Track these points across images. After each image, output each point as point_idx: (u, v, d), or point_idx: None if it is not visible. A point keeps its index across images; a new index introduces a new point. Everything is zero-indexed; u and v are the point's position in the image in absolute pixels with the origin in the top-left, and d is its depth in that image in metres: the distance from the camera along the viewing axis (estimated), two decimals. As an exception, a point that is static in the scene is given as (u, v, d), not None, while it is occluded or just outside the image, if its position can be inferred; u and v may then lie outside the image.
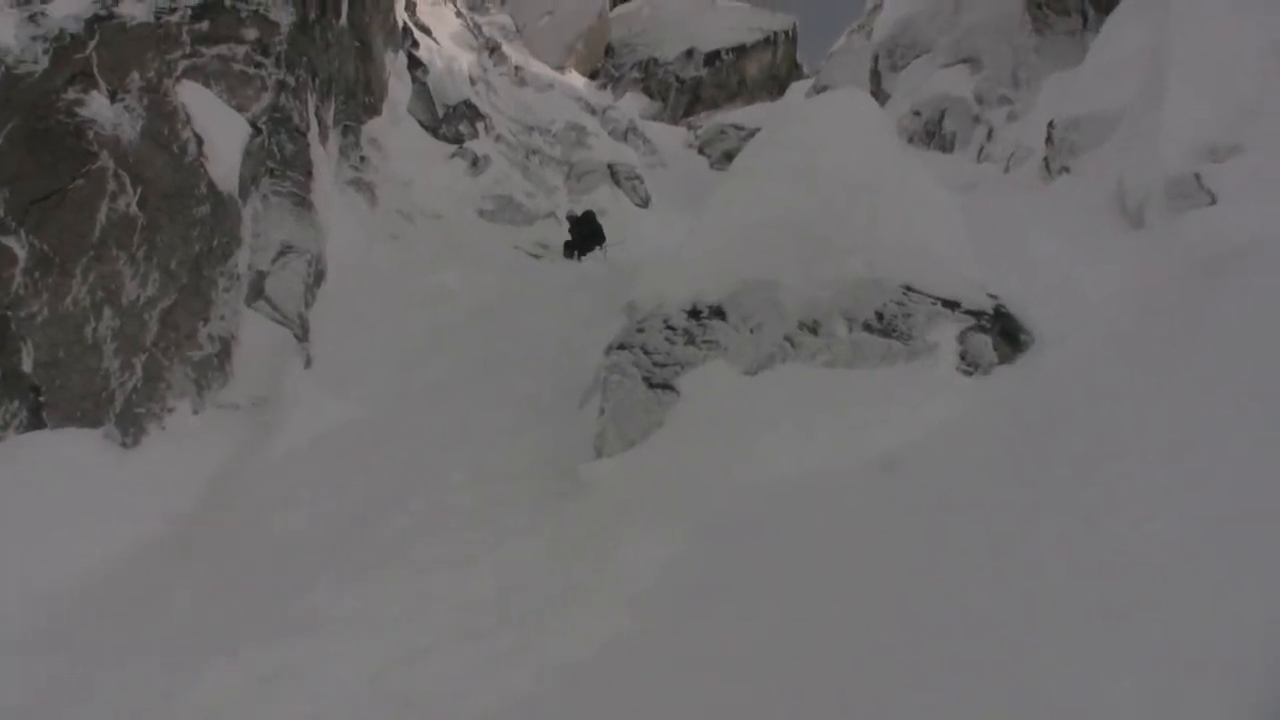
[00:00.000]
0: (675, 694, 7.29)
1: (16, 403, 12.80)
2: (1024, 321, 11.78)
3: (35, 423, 12.85)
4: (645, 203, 34.79)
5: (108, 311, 13.72)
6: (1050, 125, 21.04)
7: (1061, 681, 6.02)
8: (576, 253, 27.34)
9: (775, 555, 8.83)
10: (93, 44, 14.95)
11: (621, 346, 12.67)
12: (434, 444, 14.42)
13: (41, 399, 12.91)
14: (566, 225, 28.27)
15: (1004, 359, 11.34)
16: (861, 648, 7.10)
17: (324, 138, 21.44)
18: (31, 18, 14.67)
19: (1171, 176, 14.04)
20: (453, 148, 30.76)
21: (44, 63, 14.35)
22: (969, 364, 11.25)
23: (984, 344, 11.41)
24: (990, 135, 30.76)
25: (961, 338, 11.49)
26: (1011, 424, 10.00)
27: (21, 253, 13.11)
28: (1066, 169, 19.52)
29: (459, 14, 38.43)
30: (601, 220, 30.94)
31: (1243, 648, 5.78)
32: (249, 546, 11.93)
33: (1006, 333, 11.62)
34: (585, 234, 27.38)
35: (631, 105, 52.49)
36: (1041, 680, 6.09)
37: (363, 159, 25.26)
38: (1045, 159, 21.12)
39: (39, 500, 11.96)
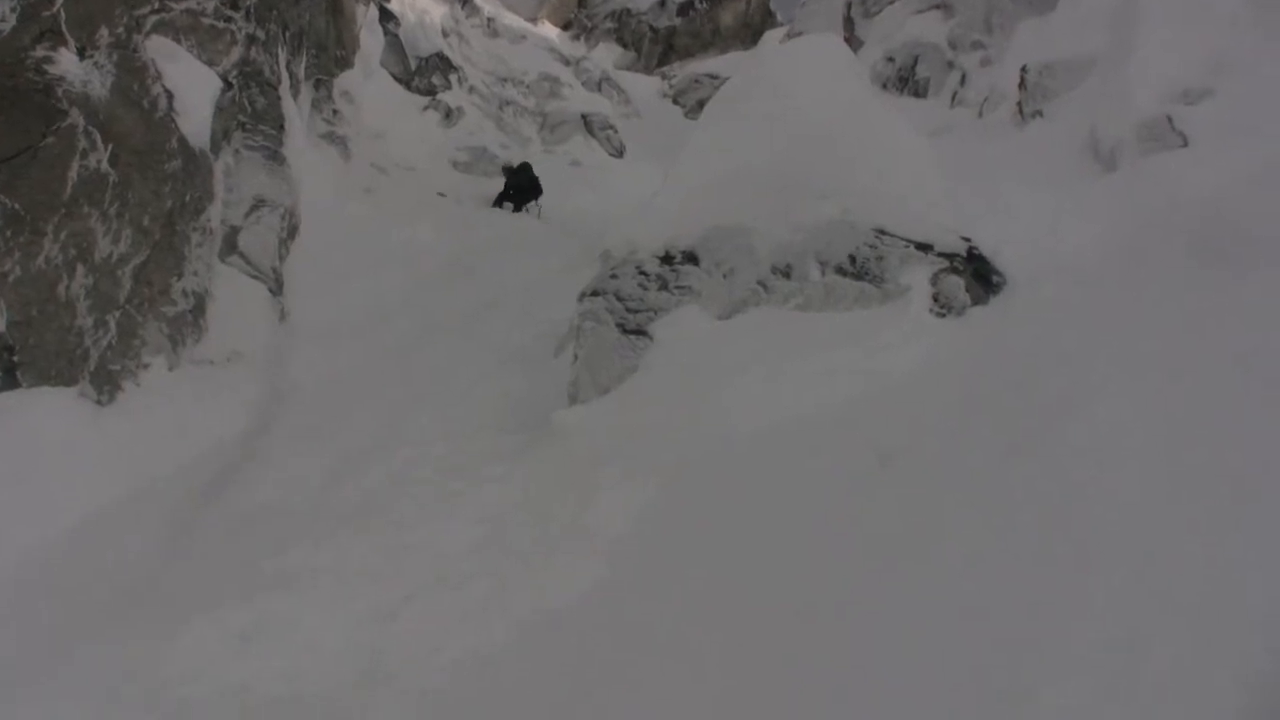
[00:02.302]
0: (651, 641, 7.33)
1: (-10, 362, 12.79)
2: (996, 264, 11.83)
3: (9, 383, 12.79)
4: (620, 153, 34.82)
5: (80, 269, 13.67)
6: (1023, 70, 21.11)
7: (1023, 633, 6.07)
8: (510, 205, 27.03)
9: (749, 500, 8.88)
10: (60, 1, 14.86)
11: (595, 293, 12.68)
12: (410, 396, 14.47)
13: (15, 358, 12.85)
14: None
15: (977, 301, 11.40)
16: (832, 590, 7.15)
17: (295, 91, 21.38)
18: (-3, -25, 14.59)
19: (1143, 119, 14.09)
20: (426, 100, 30.78)
21: (11, 21, 14.24)
22: (942, 306, 11.30)
23: (957, 286, 11.46)
24: (963, 80, 30.89)
25: (934, 280, 11.54)
26: (983, 366, 10.06)
27: (-8, 212, 13.08)
28: (1039, 113, 19.58)
29: (430, -34, 38.34)
30: (576, 170, 30.93)
31: (1211, 599, 5.82)
32: (225, 504, 11.95)
33: (979, 275, 11.66)
34: (522, 185, 27.04)
35: (605, 56, 52.35)
36: (1005, 630, 6.15)
37: (335, 112, 25.22)
38: (1018, 103, 21.19)
39: (13, 460, 11.95)
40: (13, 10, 14.14)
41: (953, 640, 6.18)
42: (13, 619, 9.78)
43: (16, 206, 13.10)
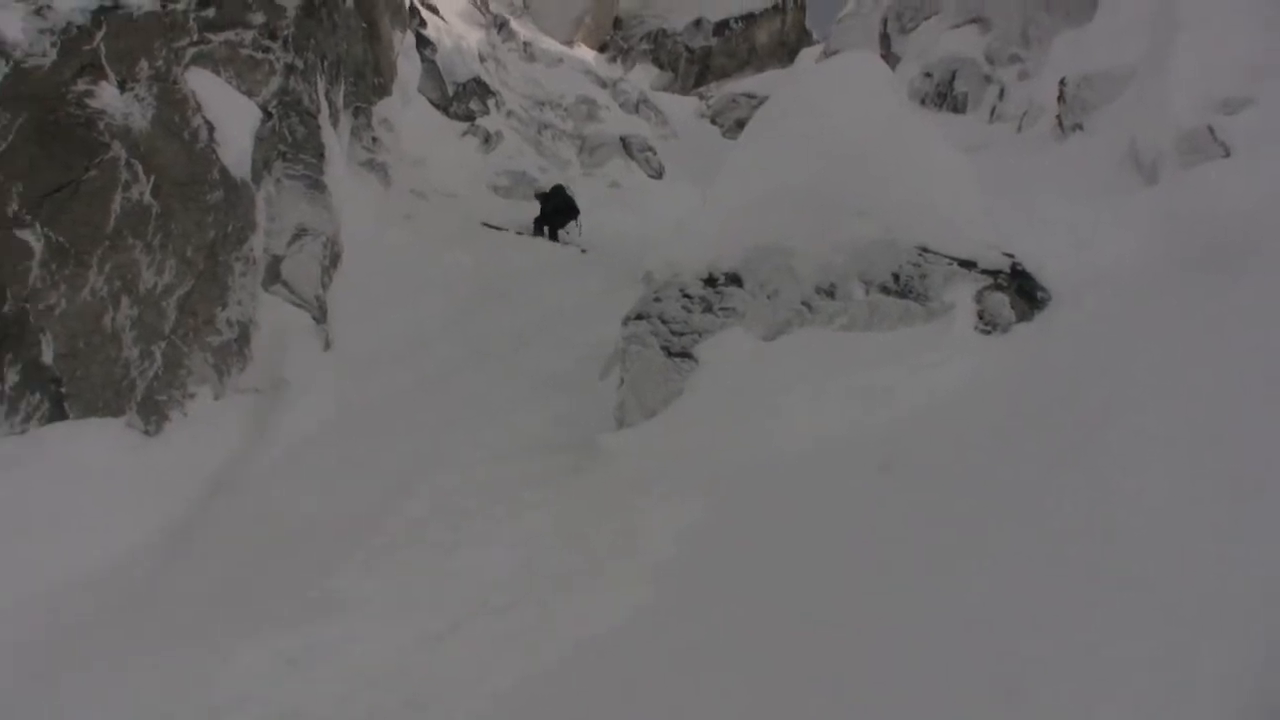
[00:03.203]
0: (697, 666, 7.29)
1: (38, 395, 12.83)
2: (1041, 279, 11.78)
3: (57, 414, 12.88)
4: (659, 174, 34.77)
5: (125, 301, 13.75)
6: (1062, 83, 21.03)
7: (1069, 644, 6.01)
8: (547, 229, 26.62)
9: (795, 522, 8.85)
10: (100, 35, 14.93)
11: (639, 316, 12.68)
12: (453, 422, 14.49)
13: (62, 390, 12.94)
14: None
15: (1022, 317, 11.36)
16: (879, 612, 7.10)
17: (335, 120, 21.44)
18: (38, 11, 14.65)
19: (1184, 130, 14.02)
20: (464, 125, 30.78)
21: (52, 55, 14.34)
22: (987, 323, 11.26)
23: (1001, 303, 11.42)
24: (1002, 94, 30.76)
25: (979, 297, 11.50)
26: (1030, 383, 10.01)
27: (37, 245, 13.14)
28: (1079, 126, 19.52)
29: (465, -9, 38.38)
30: (616, 192, 30.85)
31: (1260, 610, 5.76)
32: (272, 530, 11.97)
33: (1024, 291, 11.62)
34: (558, 207, 26.63)
35: (642, 77, 52.39)
36: (1050, 643, 6.09)
37: (374, 140, 25.27)
38: (1058, 117, 21.11)
39: (63, 490, 12.02)
40: (53, 45, 14.24)
41: (999, 658, 6.13)
42: (64, 644, 9.86)
43: (61, 239, 13.19)
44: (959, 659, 6.26)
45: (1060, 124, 20.77)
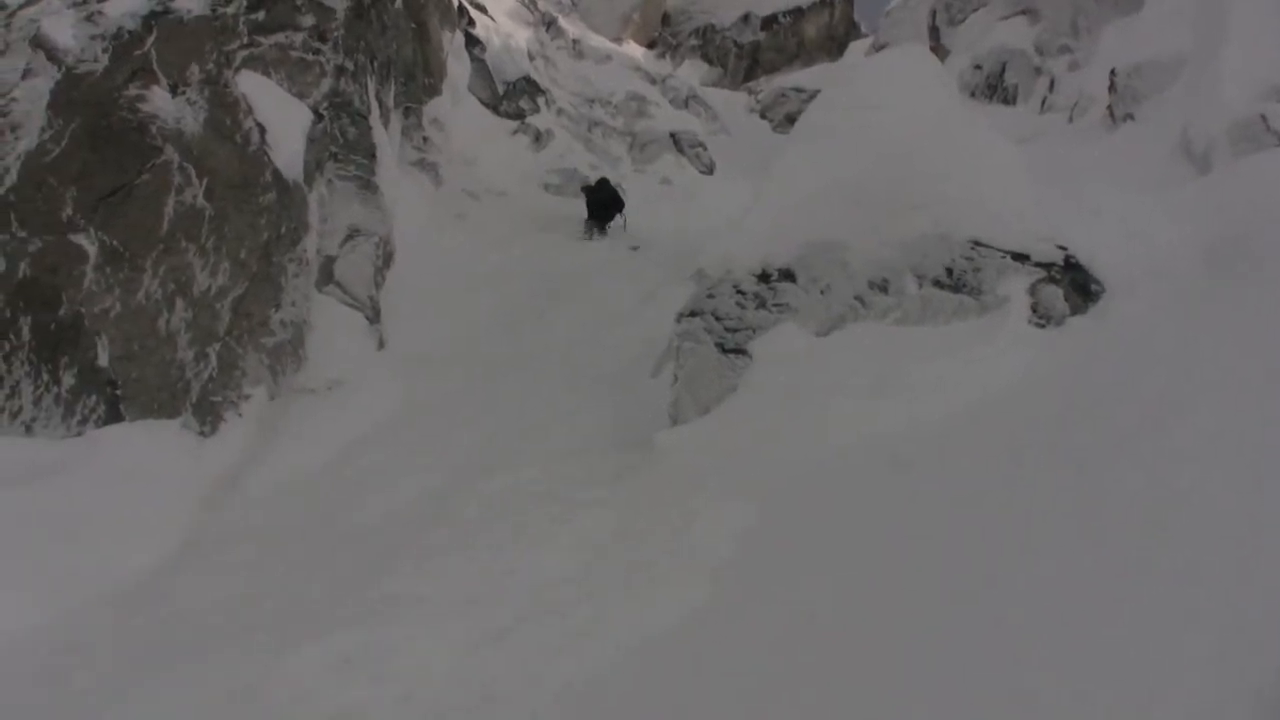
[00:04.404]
0: (755, 665, 7.23)
1: (94, 397, 12.93)
2: (1094, 272, 11.67)
3: (113, 416, 12.98)
4: (710, 170, 34.69)
5: (180, 303, 13.83)
6: (1112, 73, 20.92)
7: (1130, 638, 5.92)
8: (596, 228, 26.40)
9: (852, 520, 8.77)
10: (151, 40, 15.04)
11: (693, 313, 12.64)
12: (508, 420, 14.50)
13: (118, 392, 13.03)
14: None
15: (1075, 310, 11.25)
16: (941, 611, 7.02)
17: (385, 120, 21.51)
18: (89, 17, 14.78)
19: (1236, 119, 13.91)
20: (514, 124, 30.81)
21: (104, 61, 14.46)
22: (1041, 316, 11.17)
23: (1055, 295, 11.32)
24: (1052, 86, 30.63)
25: (1032, 290, 11.40)
26: (1085, 377, 9.91)
27: (92, 249, 13.24)
28: (1130, 116, 19.41)
29: (514, -10, 38.39)
30: (667, 189, 30.79)
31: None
32: (328, 530, 12.02)
33: (1077, 284, 11.51)
34: (603, 201, 26.42)
35: (691, 73, 52.35)
36: (1112, 637, 6.00)
37: (425, 139, 25.35)
38: (1109, 107, 21.01)
39: (120, 491, 12.10)
40: (104, 51, 14.36)
41: (1058, 653, 6.04)
42: (123, 642, 9.94)
43: (115, 243, 13.29)
44: (1016, 656, 6.18)
45: (1111, 114, 20.66)
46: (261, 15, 17.24)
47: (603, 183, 26.91)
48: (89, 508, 11.81)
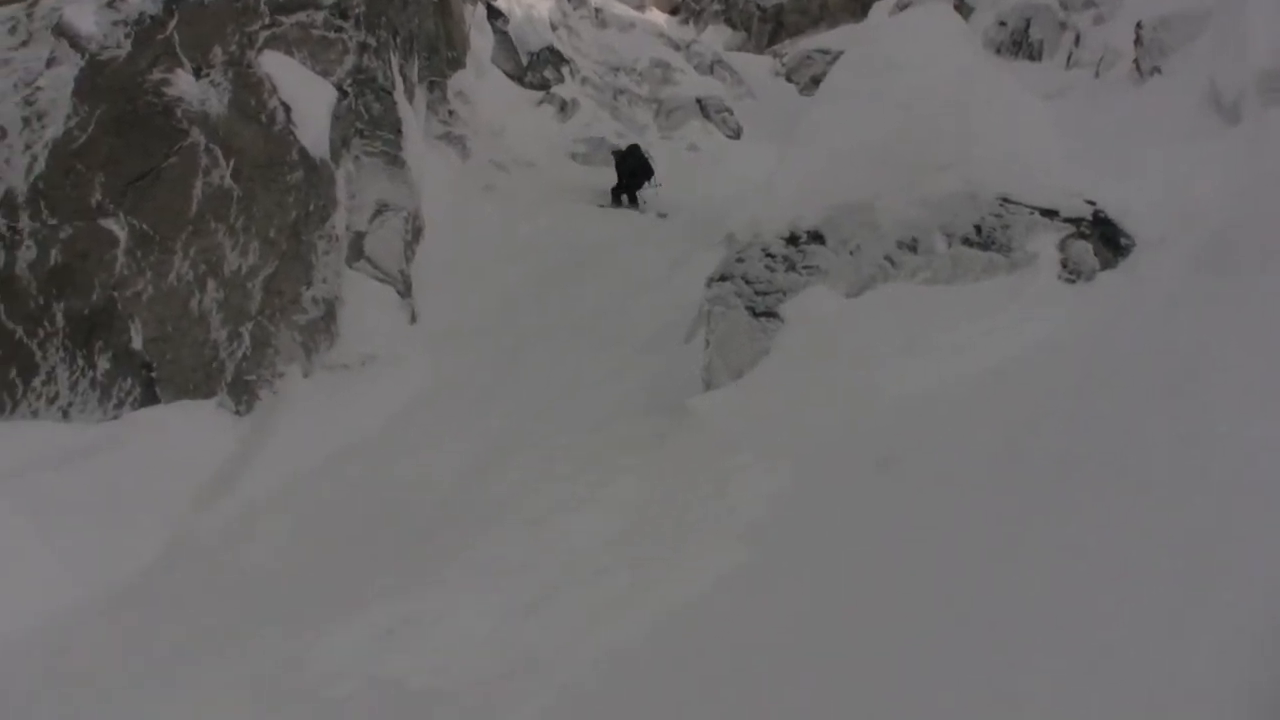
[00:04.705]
0: (795, 624, 7.22)
1: (130, 380, 13.03)
2: (1124, 226, 11.62)
3: (149, 398, 13.09)
4: (737, 134, 34.59)
5: (211, 283, 13.91)
6: (1138, 26, 20.76)
7: (1170, 593, 5.85)
8: (625, 196, 26.15)
9: (888, 481, 8.75)
10: (173, 23, 15.10)
11: (723, 278, 12.63)
12: (541, 390, 14.54)
13: (153, 374, 13.13)
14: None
15: (1106, 265, 11.19)
16: (977, 568, 6.97)
17: (410, 95, 21.52)
18: (110, 3, 14.86)
19: (1265, 69, 13.79)
20: (539, 94, 30.80)
21: (126, 47, 14.53)
22: (1071, 272, 11.12)
23: (1085, 251, 11.26)
24: (1078, 40, 30.41)
25: (1062, 246, 11.35)
26: (1117, 331, 9.84)
27: (122, 234, 13.33)
28: (1157, 69, 19.28)
29: (534, -39, 38.32)
30: (694, 154, 30.73)
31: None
32: (367, 503, 12.10)
33: (1107, 238, 11.46)
34: (634, 169, 26.05)
35: (714, 38, 52.05)
36: (1152, 594, 5.94)
37: (451, 113, 25.36)
38: (1135, 60, 20.86)
39: (157, 471, 12.22)
40: (127, 36, 14.43)
41: (1097, 638, 5.94)
42: (164, 619, 10.12)
43: (145, 227, 13.37)
44: (1057, 618, 6.13)
45: (1138, 67, 20.52)
46: (282, -6, 17.30)
47: (633, 149, 26.65)
48: (128, 487, 11.96)
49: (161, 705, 8.64)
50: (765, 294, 12.13)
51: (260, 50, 16.26)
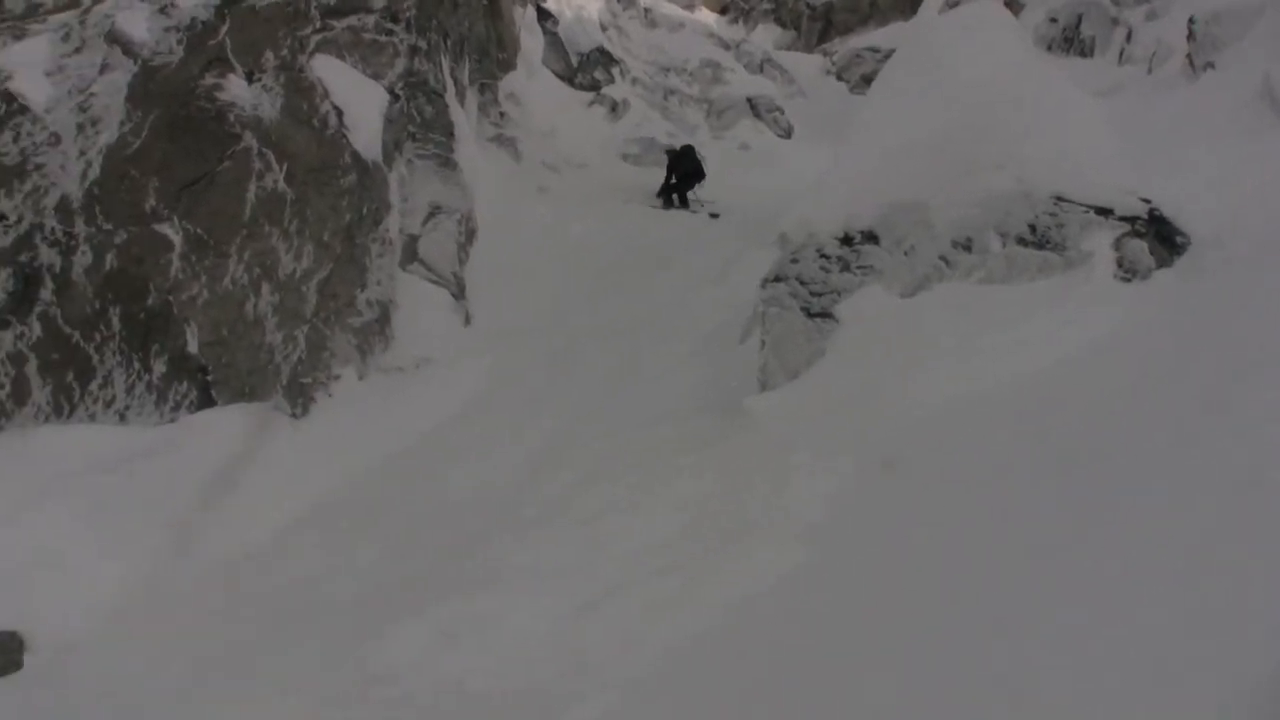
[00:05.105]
0: (853, 626, 7.17)
1: (186, 383, 13.12)
2: (1179, 224, 11.51)
3: (205, 401, 13.18)
4: (788, 133, 34.53)
5: (266, 287, 13.96)
6: (1191, 21, 20.56)
7: (1236, 594, 5.75)
8: (676, 196, 25.95)
9: (945, 480, 8.69)
10: (224, 29, 15.15)
11: (777, 278, 12.58)
12: (597, 390, 14.54)
13: (209, 378, 13.21)
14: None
15: (1161, 263, 11.08)
16: (1035, 564, 6.91)
17: (461, 97, 21.55)
18: (162, 10, 14.91)
19: (1322, 64, 13.65)
20: (590, 95, 30.84)
21: (179, 53, 14.59)
22: (1126, 271, 11.02)
23: (1140, 249, 11.16)
24: (1130, 36, 30.19)
25: (1117, 245, 11.25)
26: (1174, 330, 9.74)
27: (176, 238, 13.39)
28: (1211, 65, 19.08)
29: (583, -38, 38.34)
30: (746, 154, 30.68)
31: None
32: (423, 505, 12.14)
33: (1162, 237, 11.34)
34: (687, 170, 25.85)
35: (764, 37, 51.95)
36: (1220, 592, 5.84)
37: (502, 115, 25.40)
38: (1188, 56, 20.65)
39: (215, 474, 12.30)
40: (179, 42, 14.50)
41: (1149, 647, 5.82)
42: (225, 621, 10.19)
43: (199, 231, 13.44)
44: (1113, 619, 6.06)
45: (1191, 63, 20.31)
46: (333, -1, 17.34)
47: (687, 150, 26.54)
48: (185, 490, 12.05)
49: (221, 706, 8.72)
50: (820, 294, 12.09)
51: (312, 54, 16.31)
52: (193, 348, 13.18)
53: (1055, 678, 5.46)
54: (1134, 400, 8.52)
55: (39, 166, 13.41)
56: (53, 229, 13.16)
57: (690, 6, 47.71)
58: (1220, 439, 7.21)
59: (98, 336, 12.93)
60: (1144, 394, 8.56)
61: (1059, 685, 5.37)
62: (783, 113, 35.45)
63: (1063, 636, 5.84)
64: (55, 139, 13.64)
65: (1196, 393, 8.11)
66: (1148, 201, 11.57)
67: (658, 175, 26.45)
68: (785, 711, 6.46)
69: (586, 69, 31.48)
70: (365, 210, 15.86)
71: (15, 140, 13.48)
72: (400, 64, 18.15)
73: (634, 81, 32.87)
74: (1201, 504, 6.45)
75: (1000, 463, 8.48)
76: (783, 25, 57.04)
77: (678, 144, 27.82)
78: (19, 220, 13.13)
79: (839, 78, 45.55)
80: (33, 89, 13.88)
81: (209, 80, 14.55)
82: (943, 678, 6.04)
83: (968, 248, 11.68)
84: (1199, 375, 8.38)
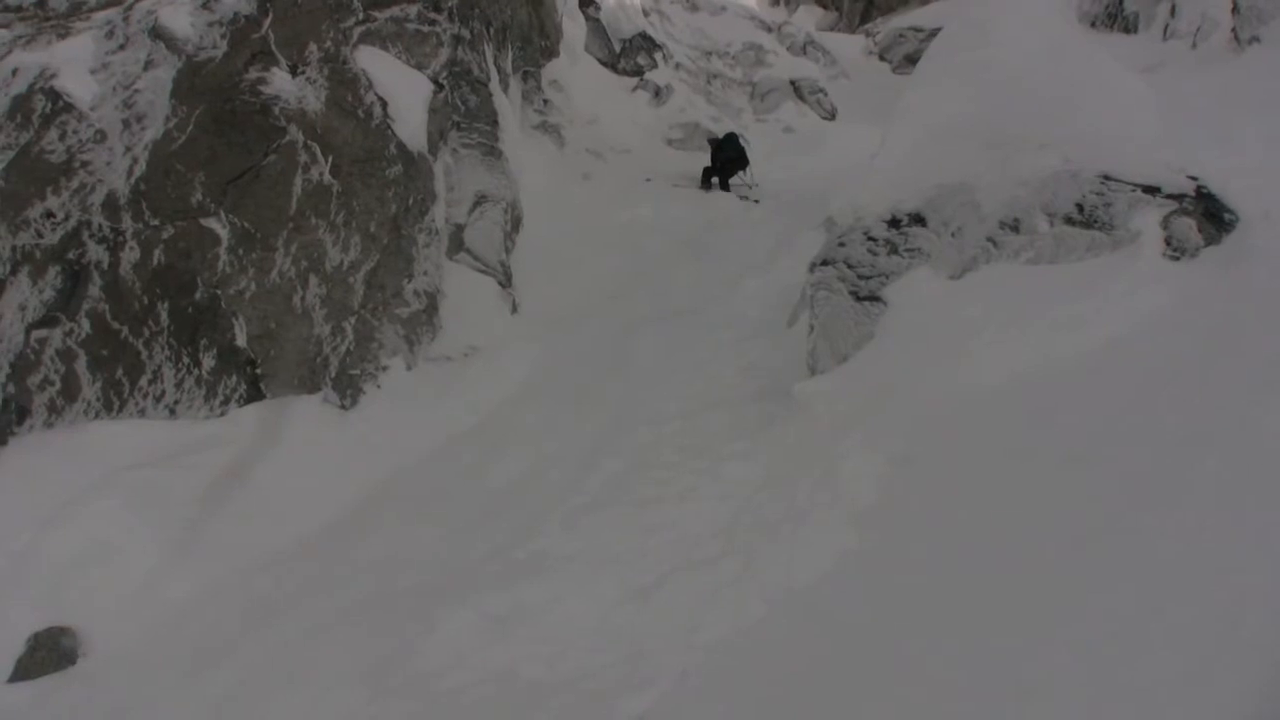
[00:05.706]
0: (906, 610, 7.14)
1: (235, 377, 13.17)
2: (1227, 201, 11.40)
3: (254, 394, 13.24)
4: (832, 115, 34.41)
5: (313, 279, 13.99)
6: (1235, -7, 20.40)
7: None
8: (716, 180, 25.92)
9: (997, 463, 8.63)
10: (267, 22, 15.16)
11: (825, 262, 12.54)
12: (646, 376, 14.51)
13: (258, 371, 13.26)
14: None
15: (1210, 241, 10.96)
16: (1085, 546, 6.85)
17: (505, 86, 21.52)
18: (205, 4, 14.94)
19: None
20: (633, 81, 30.76)
21: (222, 47, 14.61)
22: (1175, 249, 10.91)
23: (1188, 227, 11.05)
24: (1174, 11, 29.89)
25: (1165, 223, 11.14)
26: (1225, 308, 9.66)
27: (224, 232, 13.42)
28: (1256, 38, 18.92)
29: (623, -52, 38.27)
30: (790, 137, 30.57)
31: None
32: (474, 494, 12.16)
33: (1210, 214, 11.22)
34: (731, 157, 25.77)
35: (806, 19, 51.83)
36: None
37: (546, 102, 25.39)
38: (1233, 30, 20.48)
39: (266, 467, 12.34)
40: (223, 37, 14.53)
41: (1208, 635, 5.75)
42: (276, 611, 10.25)
43: (246, 225, 13.46)
44: (1166, 601, 5.99)
45: (1235, 37, 20.15)
46: (374, -11, 17.33)
47: (730, 137, 26.42)
48: (235, 483, 12.10)
49: (276, 694, 8.78)
50: (868, 278, 12.03)
51: (355, 46, 16.31)
52: (241, 341, 13.23)
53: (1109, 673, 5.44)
54: (1188, 379, 8.45)
55: (85, 164, 13.44)
56: (100, 226, 13.19)
57: (731, -11, 47.55)
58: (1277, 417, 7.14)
59: (146, 332, 12.98)
60: (1197, 372, 8.48)
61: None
62: (826, 94, 35.31)
63: (1135, 625, 5.80)
64: (101, 136, 13.67)
65: (1251, 370, 8.04)
66: (1195, 179, 11.46)
67: (702, 159, 26.42)
68: (843, 701, 6.43)
69: (629, 55, 31.40)
70: (411, 201, 15.86)
71: (61, 138, 13.51)
72: (444, 54, 18.13)
73: (677, 66, 32.77)
74: (1261, 486, 6.39)
75: (1052, 446, 8.41)
76: (824, 6, 56.93)
77: (721, 129, 27.78)
78: (66, 218, 13.17)
79: (882, 58, 45.37)
80: (78, 86, 13.92)
81: (253, 74, 14.57)
82: (1005, 669, 6.00)
83: (1015, 228, 11.59)
84: (1253, 353, 8.30)
